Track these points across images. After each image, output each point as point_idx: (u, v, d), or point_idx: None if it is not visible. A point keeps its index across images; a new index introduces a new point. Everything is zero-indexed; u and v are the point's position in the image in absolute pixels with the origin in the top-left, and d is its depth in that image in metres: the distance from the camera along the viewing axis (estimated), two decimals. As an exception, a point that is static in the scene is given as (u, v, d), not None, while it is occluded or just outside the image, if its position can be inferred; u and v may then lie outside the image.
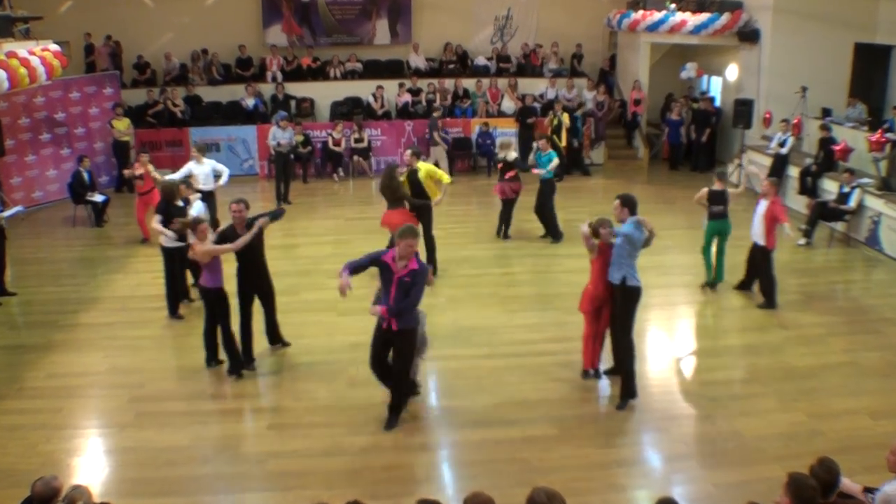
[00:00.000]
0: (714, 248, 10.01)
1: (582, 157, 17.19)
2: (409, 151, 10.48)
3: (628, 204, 7.07)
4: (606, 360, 7.70)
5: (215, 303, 7.69)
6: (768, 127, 15.00)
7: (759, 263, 9.47)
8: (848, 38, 15.16)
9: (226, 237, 7.66)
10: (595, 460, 6.31)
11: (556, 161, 11.81)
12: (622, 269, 6.96)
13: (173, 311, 9.34)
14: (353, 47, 18.80)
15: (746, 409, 7.10)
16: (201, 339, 7.94)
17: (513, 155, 12.00)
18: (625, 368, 7.16)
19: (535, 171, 11.85)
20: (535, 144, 12.20)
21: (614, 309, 7.18)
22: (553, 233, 12.04)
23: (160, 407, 7.25)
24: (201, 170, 11.64)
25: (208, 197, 11.38)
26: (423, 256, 10.35)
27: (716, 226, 9.79)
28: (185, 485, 6.07)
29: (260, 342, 8.29)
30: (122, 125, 15.56)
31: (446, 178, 10.41)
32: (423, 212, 10.16)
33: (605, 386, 7.56)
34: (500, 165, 12.05)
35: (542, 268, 11.06)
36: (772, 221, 9.16)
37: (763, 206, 9.25)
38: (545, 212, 12.03)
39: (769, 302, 9.45)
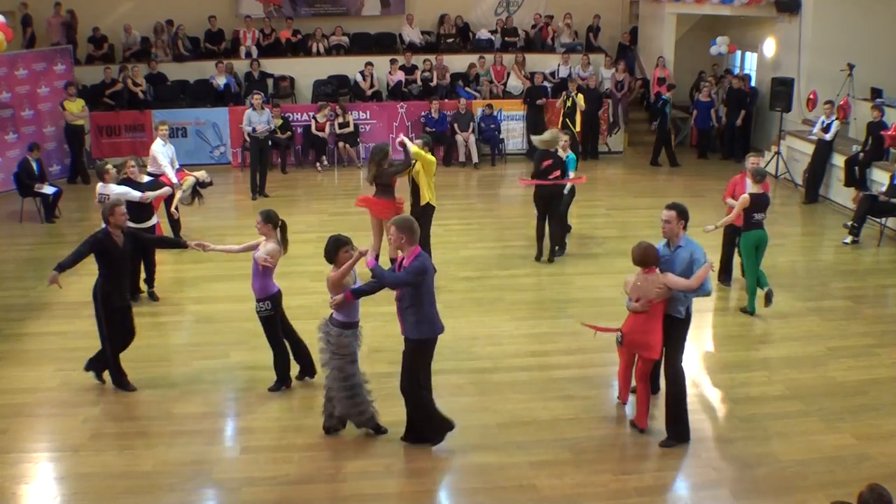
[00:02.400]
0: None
1: (671, 147, 16.96)
2: (419, 142, 10.27)
3: (686, 216, 6.97)
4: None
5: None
6: (812, 109, 15.00)
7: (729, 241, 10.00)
8: (901, 8, 15.19)
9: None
10: (613, 488, 6.31)
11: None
12: (687, 298, 6.66)
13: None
14: (339, 18, 18.82)
15: (785, 429, 7.10)
16: (165, 350, 7.92)
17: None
18: (674, 402, 6.81)
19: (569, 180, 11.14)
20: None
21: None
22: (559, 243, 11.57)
23: (119, 427, 7.23)
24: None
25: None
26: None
27: (758, 236, 9.24)
28: (148, 516, 6.07)
29: (241, 354, 8.30)
30: (76, 107, 15.55)
31: (431, 158, 10.08)
32: (422, 215, 9.87)
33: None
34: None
35: (553, 270, 11.06)
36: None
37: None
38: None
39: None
